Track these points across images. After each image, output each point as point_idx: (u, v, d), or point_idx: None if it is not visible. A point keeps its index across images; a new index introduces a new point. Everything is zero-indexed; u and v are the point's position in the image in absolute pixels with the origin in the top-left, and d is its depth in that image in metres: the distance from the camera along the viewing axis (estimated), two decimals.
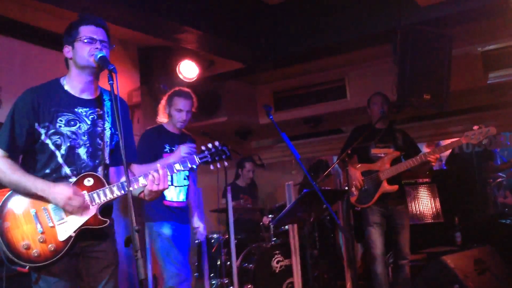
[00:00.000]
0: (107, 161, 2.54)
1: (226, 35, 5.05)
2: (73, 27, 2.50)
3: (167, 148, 4.04)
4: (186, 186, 4.17)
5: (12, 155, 2.39)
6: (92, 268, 2.46)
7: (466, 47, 5.79)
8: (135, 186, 2.45)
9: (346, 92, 6.75)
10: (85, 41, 2.44)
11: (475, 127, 4.21)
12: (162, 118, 4.19)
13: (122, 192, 2.40)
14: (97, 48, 2.44)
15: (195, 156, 2.58)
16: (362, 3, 4.93)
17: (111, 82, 2.28)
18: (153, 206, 4.00)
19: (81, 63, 2.47)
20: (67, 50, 2.50)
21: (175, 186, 4.07)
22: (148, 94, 5.56)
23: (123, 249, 2.55)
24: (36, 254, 2.28)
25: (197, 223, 4.38)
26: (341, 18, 5.07)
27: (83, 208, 2.35)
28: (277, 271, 5.23)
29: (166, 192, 3.95)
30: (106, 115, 2.55)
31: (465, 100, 6.30)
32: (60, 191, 2.31)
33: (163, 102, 4.17)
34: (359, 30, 5.01)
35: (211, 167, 2.64)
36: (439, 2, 4.49)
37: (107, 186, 2.42)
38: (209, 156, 2.60)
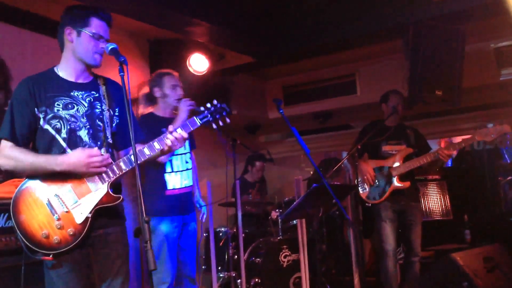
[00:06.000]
0: (110, 141, 2.54)
1: (236, 28, 5.03)
2: (83, 13, 2.47)
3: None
4: (190, 170, 3.95)
5: (18, 143, 2.40)
6: (102, 260, 2.45)
7: (479, 43, 5.74)
8: (146, 155, 2.46)
9: (357, 87, 6.73)
10: (94, 36, 2.45)
11: (489, 125, 4.16)
12: (147, 108, 3.96)
13: (130, 166, 2.41)
14: (102, 47, 2.46)
15: (195, 118, 2.53)
16: None
17: (122, 74, 2.27)
18: (153, 199, 3.72)
19: (84, 57, 2.48)
20: (69, 32, 2.48)
21: (176, 172, 3.82)
22: None
23: (130, 239, 2.55)
24: (57, 241, 2.30)
25: (200, 201, 4.21)
26: (353, 13, 5.02)
27: (106, 164, 2.37)
28: (284, 265, 5.23)
29: (168, 179, 3.78)
30: (102, 98, 2.55)
31: (477, 97, 6.24)
32: (77, 159, 2.32)
33: (145, 90, 3.96)
34: (370, 25, 4.96)
35: (214, 126, 2.57)
36: None
37: (113, 162, 2.43)
38: (209, 115, 2.56)
